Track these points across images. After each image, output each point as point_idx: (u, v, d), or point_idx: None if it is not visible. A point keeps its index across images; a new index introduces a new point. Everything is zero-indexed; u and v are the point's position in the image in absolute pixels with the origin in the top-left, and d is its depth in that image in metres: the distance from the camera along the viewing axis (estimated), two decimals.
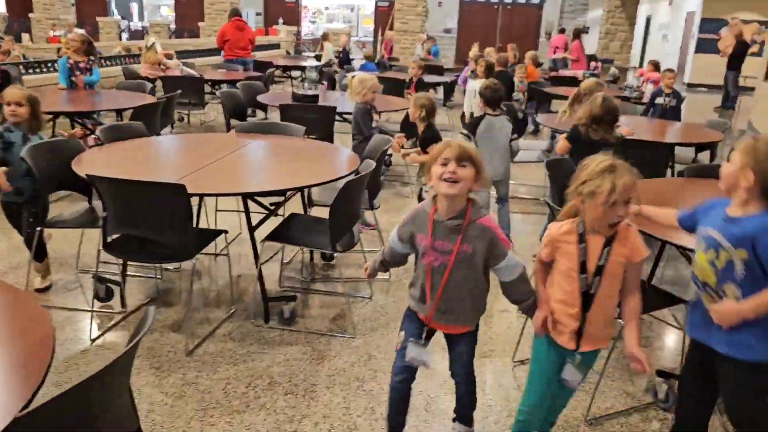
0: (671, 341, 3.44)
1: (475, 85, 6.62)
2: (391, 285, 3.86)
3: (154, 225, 2.95)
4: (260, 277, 3.41)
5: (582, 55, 13.71)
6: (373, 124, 4.76)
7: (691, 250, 2.31)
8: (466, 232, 2.03)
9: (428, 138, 4.40)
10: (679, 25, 19.78)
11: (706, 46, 17.80)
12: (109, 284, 3.49)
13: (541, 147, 6.96)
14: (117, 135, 3.95)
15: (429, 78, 9.26)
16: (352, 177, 3.19)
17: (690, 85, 17.17)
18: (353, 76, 4.90)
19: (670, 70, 7.20)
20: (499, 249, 2.05)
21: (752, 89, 11.80)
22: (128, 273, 3.60)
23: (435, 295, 2.12)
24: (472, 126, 4.36)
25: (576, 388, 2.18)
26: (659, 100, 7.01)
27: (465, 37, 19.88)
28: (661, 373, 2.83)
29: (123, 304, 3.45)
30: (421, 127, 4.51)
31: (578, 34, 13.85)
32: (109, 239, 3.13)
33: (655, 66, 9.95)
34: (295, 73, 12.18)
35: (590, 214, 1.96)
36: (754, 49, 14.87)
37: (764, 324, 1.88)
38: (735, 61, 13.08)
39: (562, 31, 15.30)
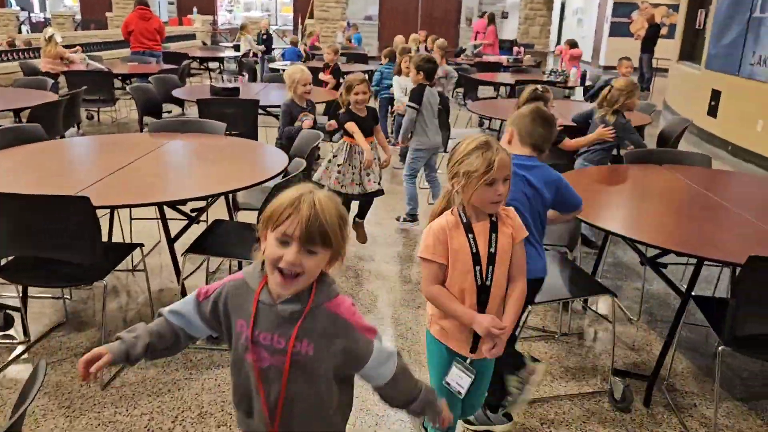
0: (618, 338, 3.36)
1: (404, 82, 6.27)
2: None
3: (55, 244, 2.58)
4: (183, 293, 3.09)
5: (496, 40, 13.82)
6: (299, 123, 4.29)
7: (636, 240, 2.46)
8: (306, 323, 1.33)
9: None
10: (593, 10, 20.35)
11: (619, 30, 18.42)
12: (7, 311, 3.07)
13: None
14: (9, 139, 3.50)
15: (354, 67, 9.01)
16: (280, 178, 2.92)
17: (606, 68, 17.65)
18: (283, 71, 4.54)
19: (627, 59, 6.72)
20: (360, 348, 1.37)
21: (666, 70, 12.20)
22: (31, 295, 3.19)
23: (274, 411, 1.38)
24: (416, 95, 4.46)
25: (462, 395, 1.91)
26: None
27: (387, 25, 19.70)
28: (617, 372, 2.72)
29: (25, 332, 3.04)
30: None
31: (492, 18, 13.94)
32: (3, 261, 2.74)
33: (572, 44, 10.04)
34: (213, 65, 11.66)
35: (468, 195, 1.77)
36: (664, 31, 15.42)
37: None
38: (648, 44, 13.53)
39: (483, 15, 15.35)
